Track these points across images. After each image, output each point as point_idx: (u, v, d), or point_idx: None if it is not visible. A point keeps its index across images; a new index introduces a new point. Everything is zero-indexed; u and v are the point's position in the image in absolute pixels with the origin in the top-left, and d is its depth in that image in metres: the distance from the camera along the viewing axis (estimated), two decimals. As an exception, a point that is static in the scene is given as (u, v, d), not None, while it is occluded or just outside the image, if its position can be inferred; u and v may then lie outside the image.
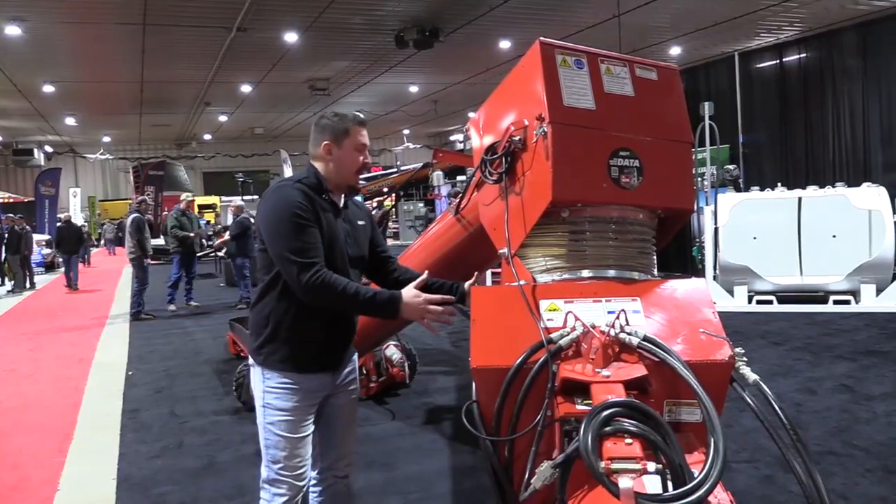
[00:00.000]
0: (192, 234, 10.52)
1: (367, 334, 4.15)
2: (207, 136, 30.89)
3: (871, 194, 8.54)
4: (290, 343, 2.29)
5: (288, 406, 2.26)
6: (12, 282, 14.95)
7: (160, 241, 18.42)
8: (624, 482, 1.39)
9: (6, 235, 14.90)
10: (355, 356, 2.56)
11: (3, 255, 15.27)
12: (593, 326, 1.88)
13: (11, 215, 16.06)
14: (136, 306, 10.21)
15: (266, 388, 2.29)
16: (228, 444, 4.48)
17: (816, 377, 5.47)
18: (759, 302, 8.80)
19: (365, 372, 5.18)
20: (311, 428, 2.34)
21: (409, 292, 2.16)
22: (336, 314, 2.29)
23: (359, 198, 2.79)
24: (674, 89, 2.36)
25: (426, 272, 2.33)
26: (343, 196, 2.41)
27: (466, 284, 2.40)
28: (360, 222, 2.47)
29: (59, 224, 15.44)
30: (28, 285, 15.29)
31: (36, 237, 17.83)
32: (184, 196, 11.61)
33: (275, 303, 2.28)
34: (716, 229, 9.16)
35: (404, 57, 15.73)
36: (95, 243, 20.41)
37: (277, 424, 2.26)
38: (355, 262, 2.40)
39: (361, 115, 2.39)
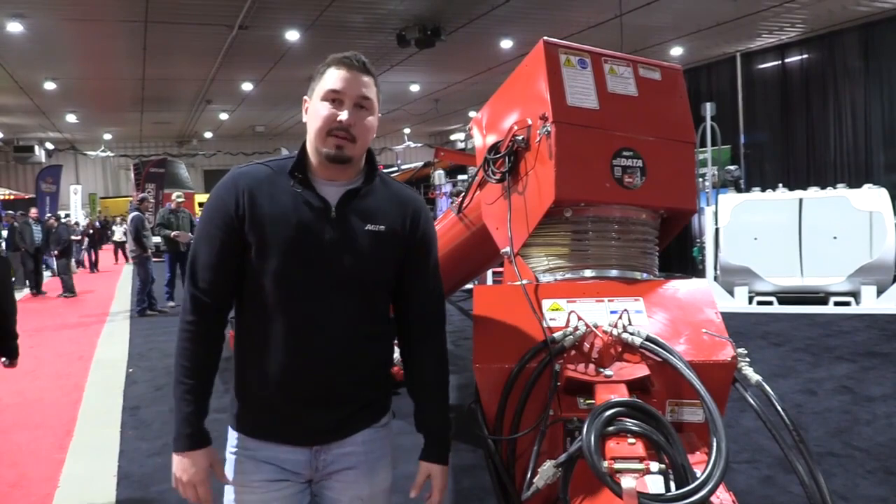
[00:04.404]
0: (171, 234, 10.41)
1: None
2: (208, 134, 30.86)
3: (872, 196, 8.55)
4: (238, 393, 1.66)
5: (243, 480, 1.62)
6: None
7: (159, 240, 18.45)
8: (627, 482, 1.39)
9: (5, 233, 14.92)
10: (382, 432, 1.71)
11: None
12: (596, 326, 1.88)
13: (11, 212, 16.08)
14: (141, 304, 10.27)
15: (227, 449, 1.68)
16: (229, 442, 4.48)
17: (817, 378, 5.47)
18: (759, 303, 8.80)
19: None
20: None
21: (203, 456, 1.55)
22: (311, 358, 1.54)
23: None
24: (677, 89, 2.36)
25: None
26: (346, 184, 1.62)
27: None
28: (370, 227, 1.60)
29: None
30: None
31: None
32: (175, 195, 11.61)
33: (238, 335, 1.65)
34: (717, 230, 9.17)
35: (406, 56, 15.69)
36: (88, 239, 20.43)
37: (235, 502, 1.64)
38: (344, 284, 1.58)
39: (350, 54, 1.61)
